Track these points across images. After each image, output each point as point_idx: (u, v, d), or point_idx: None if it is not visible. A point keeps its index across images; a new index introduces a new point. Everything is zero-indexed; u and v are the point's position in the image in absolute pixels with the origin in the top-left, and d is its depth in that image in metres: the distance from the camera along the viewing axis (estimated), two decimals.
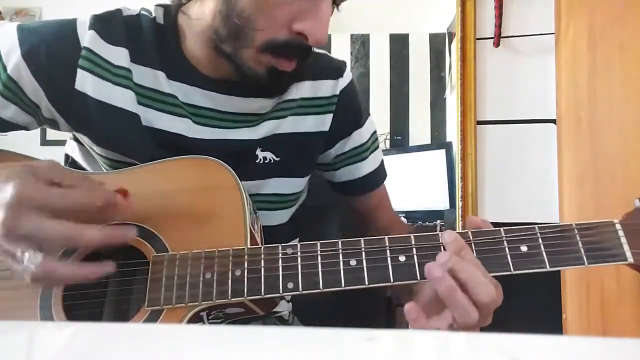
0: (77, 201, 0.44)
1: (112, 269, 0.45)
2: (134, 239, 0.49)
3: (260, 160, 0.66)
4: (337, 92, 0.71)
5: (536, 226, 0.49)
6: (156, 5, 0.66)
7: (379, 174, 0.78)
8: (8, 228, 0.41)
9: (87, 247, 0.48)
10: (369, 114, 0.77)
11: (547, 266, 0.47)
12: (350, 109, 0.73)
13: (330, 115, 0.70)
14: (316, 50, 0.73)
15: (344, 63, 0.74)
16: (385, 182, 0.81)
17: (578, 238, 0.48)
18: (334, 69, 0.72)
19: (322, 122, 0.70)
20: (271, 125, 0.67)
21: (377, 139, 0.78)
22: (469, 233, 0.49)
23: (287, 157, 0.68)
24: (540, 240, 0.48)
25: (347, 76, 0.73)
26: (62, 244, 0.44)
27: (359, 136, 0.74)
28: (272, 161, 0.67)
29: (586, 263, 0.47)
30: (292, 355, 0.24)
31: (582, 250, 0.48)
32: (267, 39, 0.54)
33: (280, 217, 0.71)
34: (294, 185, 0.71)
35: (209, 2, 0.57)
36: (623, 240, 0.48)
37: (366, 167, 0.75)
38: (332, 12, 0.60)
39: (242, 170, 0.58)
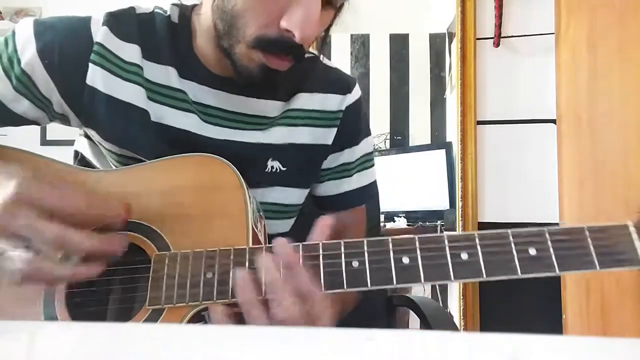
0: (74, 204, 0.45)
1: (100, 269, 0.47)
2: (124, 252, 0.50)
3: (268, 169, 0.67)
4: (343, 108, 0.71)
5: (545, 228, 0.47)
6: (172, 4, 0.66)
7: (361, 194, 0.76)
8: (1, 225, 0.42)
9: (76, 252, 0.49)
10: (369, 134, 0.77)
11: (557, 270, 0.45)
12: (351, 126, 0.73)
13: (335, 130, 0.71)
14: (328, 64, 0.73)
15: (354, 80, 0.74)
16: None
17: (589, 241, 0.46)
18: (344, 85, 0.72)
19: (327, 136, 0.70)
20: (281, 132, 0.67)
21: (369, 160, 0.77)
22: (475, 235, 0.48)
23: (293, 168, 0.68)
24: (550, 244, 0.46)
25: (356, 93, 0.73)
26: (52, 245, 0.45)
27: (351, 154, 0.74)
28: (279, 170, 0.67)
29: (598, 267, 0.45)
30: (292, 355, 0.24)
31: (593, 254, 0.45)
32: (257, 35, 0.55)
33: (279, 227, 0.71)
34: (295, 196, 0.71)
35: None
36: (637, 243, 0.45)
37: (349, 184, 0.75)
38: (335, 15, 0.60)
39: (248, 177, 0.58)
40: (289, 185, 0.69)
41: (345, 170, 0.74)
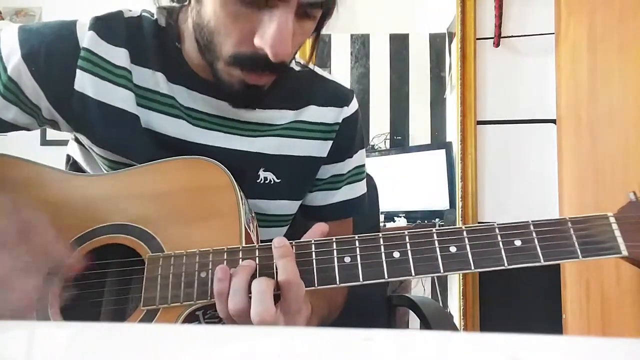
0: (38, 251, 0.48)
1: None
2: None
3: (261, 180, 0.66)
4: (340, 121, 0.71)
5: (530, 220, 0.49)
6: (158, 8, 0.65)
7: (348, 206, 0.75)
8: None
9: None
10: (363, 147, 0.76)
11: (541, 260, 0.47)
12: (346, 139, 0.73)
13: (330, 142, 0.71)
14: (326, 76, 0.73)
15: (351, 92, 0.74)
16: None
17: (572, 232, 0.48)
18: (341, 97, 0.72)
19: (322, 148, 0.70)
20: (275, 143, 0.66)
21: (361, 172, 0.77)
22: (463, 229, 0.49)
23: (288, 180, 0.68)
24: (534, 235, 0.48)
25: (353, 106, 0.73)
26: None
27: (343, 166, 0.74)
28: (273, 182, 0.67)
29: (580, 256, 0.47)
30: (291, 355, 0.24)
31: (576, 243, 0.48)
32: (233, 52, 0.54)
33: (272, 234, 0.70)
34: (289, 207, 0.70)
35: (194, 12, 0.57)
36: (617, 233, 0.48)
37: (336, 196, 0.74)
38: (319, 24, 0.58)
39: (241, 189, 0.57)
40: (284, 197, 0.69)
41: (335, 182, 0.74)
